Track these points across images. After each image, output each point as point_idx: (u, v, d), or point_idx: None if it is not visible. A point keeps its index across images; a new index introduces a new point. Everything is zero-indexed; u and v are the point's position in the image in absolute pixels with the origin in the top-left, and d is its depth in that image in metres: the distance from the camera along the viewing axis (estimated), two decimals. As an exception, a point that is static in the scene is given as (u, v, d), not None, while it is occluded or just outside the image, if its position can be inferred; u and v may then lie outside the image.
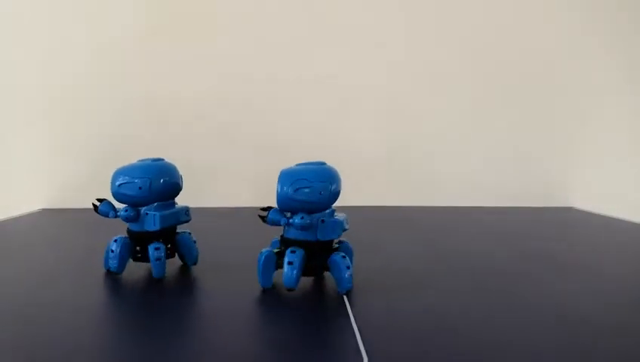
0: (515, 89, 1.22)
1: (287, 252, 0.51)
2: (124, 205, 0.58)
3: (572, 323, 0.46)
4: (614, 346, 0.41)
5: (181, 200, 0.64)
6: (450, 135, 1.22)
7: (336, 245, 0.57)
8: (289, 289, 0.51)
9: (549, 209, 1.20)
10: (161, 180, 0.58)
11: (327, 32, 1.20)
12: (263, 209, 0.53)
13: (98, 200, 0.59)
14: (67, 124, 1.18)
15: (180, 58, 1.18)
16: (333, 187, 0.53)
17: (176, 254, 0.63)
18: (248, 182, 1.13)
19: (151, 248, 0.57)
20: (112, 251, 0.58)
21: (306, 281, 0.57)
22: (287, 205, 0.52)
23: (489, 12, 1.21)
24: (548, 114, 1.23)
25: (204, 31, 1.18)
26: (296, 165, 0.55)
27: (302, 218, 0.51)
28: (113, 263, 0.58)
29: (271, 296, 0.53)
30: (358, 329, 0.43)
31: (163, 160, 0.62)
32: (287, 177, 0.52)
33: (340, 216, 0.55)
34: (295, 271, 0.51)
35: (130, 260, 0.60)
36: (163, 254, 0.58)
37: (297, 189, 0.51)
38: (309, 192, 0.51)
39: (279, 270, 0.54)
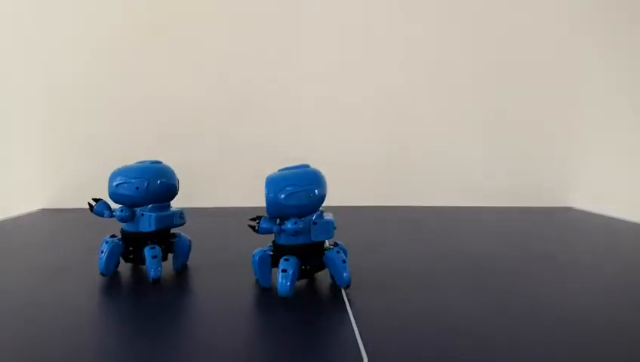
0: (515, 89, 1.22)
1: (281, 261, 0.51)
2: (120, 205, 0.58)
3: (572, 323, 0.46)
4: (614, 346, 0.41)
5: (177, 201, 0.64)
6: (451, 135, 1.22)
7: (330, 246, 0.56)
8: (283, 297, 0.51)
9: (549, 209, 1.20)
10: (158, 182, 0.59)
11: (326, 32, 1.20)
12: (252, 219, 0.52)
13: (94, 200, 0.60)
14: (67, 124, 1.18)
15: (179, 60, 1.18)
16: (320, 189, 0.53)
17: (169, 256, 0.63)
18: (246, 182, 1.13)
19: (147, 248, 0.57)
20: (102, 252, 0.58)
21: (306, 282, 0.57)
22: (278, 211, 0.52)
23: (489, 13, 1.21)
24: (548, 114, 1.23)
25: (202, 33, 1.18)
26: (280, 170, 0.55)
27: (295, 223, 0.50)
28: (101, 265, 0.58)
29: (270, 296, 0.53)
30: (358, 329, 0.43)
31: (161, 162, 0.62)
32: (275, 183, 0.52)
33: (328, 216, 0.55)
34: (289, 280, 0.50)
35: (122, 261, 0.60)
36: (159, 252, 0.57)
37: (287, 195, 0.51)
38: (300, 196, 0.51)
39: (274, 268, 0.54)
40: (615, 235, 0.92)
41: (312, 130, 1.20)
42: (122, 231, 0.60)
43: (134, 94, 1.18)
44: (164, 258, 0.61)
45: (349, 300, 0.51)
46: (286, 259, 0.51)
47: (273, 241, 0.55)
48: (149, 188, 0.57)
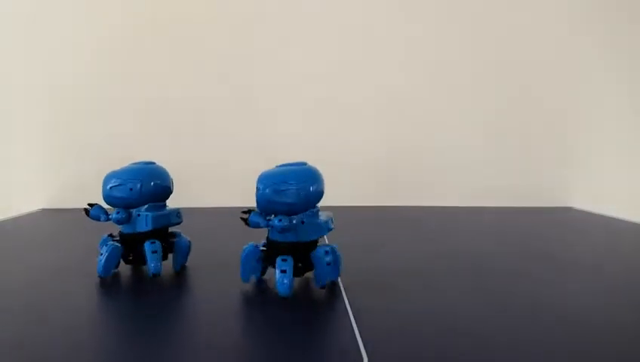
0: (515, 89, 1.22)
1: (279, 261, 0.51)
2: (116, 208, 0.58)
3: (572, 323, 0.46)
4: (614, 346, 0.41)
5: (176, 201, 0.64)
6: (451, 135, 1.22)
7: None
8: (284, 297, 0.51)
9: (549, 209, 1.20)
10: (152, 183, 0.59)
11: (326, 32, 1.20)
12: (245, 211, 0.53)
13: (89, 204, 0.60)
14: (67, 124, 1.18)
15: (179, 60, 1.18)
16: (314, 187, 0.53)
17: (169, 256, 0.62)
18: (246, 182, 1.13)
19: (147, 243, 0.57)
20: (101, 255, 0.58)
21: (306, 282, 0.57)
22: (267, 207, 0.52)
23: (489, 13, 1.21)
24: (548, 114, 1.23)
25: (202, 33, 1.18)
26: (277, 166, 0.55)
27: (280, 220, 0.51)
28: (99, 268, 0.57)
29: (270, 296, 0.53)
30: (358, 329, 0.43)
31: (154, 163, 0.62)
32: (266, 179, 0.52)
33: (324, 216, 0.55)
34: (288, 280, 0.50)
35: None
36: (159, 247, 0.58)
37: (275, 191, 0.51)
38: (288, 193, 0.51)
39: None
40: (615, 235, 0.92)
41: (311, 130, 1.20)
42: (120, 234, 0.60)
43: (134, 94, 1.18)
44: (165, 257, 0.61)
45: (349, 300, 0.51)
46: (284, 260, 0.51)
47: (267, 237, 0.56)
48: (142, 190, 0.58)
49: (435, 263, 0.67)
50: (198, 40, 1.18)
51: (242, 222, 0.52)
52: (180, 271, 0.62)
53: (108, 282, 0.57)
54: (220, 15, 1.18)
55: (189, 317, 0.48)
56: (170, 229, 0.63)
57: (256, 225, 0.52)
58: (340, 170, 1.17)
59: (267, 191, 0.51)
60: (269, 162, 0.57)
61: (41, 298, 0.52)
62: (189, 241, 0.64)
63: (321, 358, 0.40)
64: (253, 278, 0.57)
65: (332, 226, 0.56)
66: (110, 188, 0.58)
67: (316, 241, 0.55)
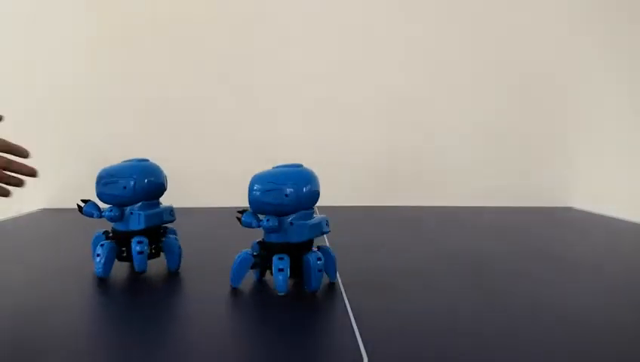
0: (515, 90, 1.22)
1: (275, 259, 0.51)
2: (109, 206, 0.58)
3: (572, 323, 0.46)
4: (614, 346, 0.41)
5: (176, 201, 0.64)
6: (451, 135, 1.22)
7: (316, 249, 0.56)
8: (282, 294, 0.51)
9: (549, 209, 1.20)
10: (145, 180, 0.59)
11: (326, 32, 1.20)
12: (240, 211, 0.53)
13: (83, 201, 0.59)
14: (67, 124, 1.18)
15: (180, 60, 1.18)
16: (306, 189, 0.52)
17: (162, 255, 0.62)
18: (246, 182, 1.13)
19: (134, 241, 0.57)
20: (98, 256, 0.57)
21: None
22: (257, 207, 0.53)
23: (489, 13, 1.21)
24: (548, 114, 1.23)
25: (203, 33, 1.18)
26: (272, 168, 0.55)
27: (267, 220, 0.51)
28: (98, 269, 0.57)
29: (270, 296, 0.53)
30: (358, 329, 0.43)
31: (148, 160, 0.62)
32: (257, 180, 0.53)
33: (317, 218, 0.55)
34: (285, 277, 0.50)
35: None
36: (146, 248, 0.57)
37: (263, 191, 0.52)
38: (274, 194, 0.51)
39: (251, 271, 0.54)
40: (615, 235, 0.92)
41: (312, 130, 1.20)
42: (113, 231, 0.60)
43: (134, 94, 1.18)
44: (157, 255, 0.61)
45: (349, 300, 0.51)
46: (280, 258, 0.51)
47: (262, 238, 0.56)
48: (136, 187, 0.57)
49: (435, 263, 0.67)
50: (198, 40, 1.18)
51: (233, 222, 0.53)
52: (180, 271, 0.62)
53: (107, 282, 0.57)
54: (219, 15, 1.18)
55: (189, 317, 0.48)
56: (168, 227, 0.63)
57: (249, 225, 0.53)
58: (340, 170, 1.17)
59: (257, 192, 0.52)
60: (270, 162, 0.57)
61: (41, 297, 0.52)
62: (176, 240, 0.63)
63: (321, 358, 0.40)
64: (252, 279, 0.57)
65: (327, 229, 0.56)
66: (103, 185, 0.58)
67: (310, 243, 0.55)
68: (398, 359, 0.38)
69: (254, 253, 0.55)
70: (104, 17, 1.17)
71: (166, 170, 0.63)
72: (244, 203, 0.54)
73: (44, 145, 1.18)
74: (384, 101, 1.22)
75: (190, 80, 1.19)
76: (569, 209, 1.21)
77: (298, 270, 0.53)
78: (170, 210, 0.62)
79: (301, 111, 1.21)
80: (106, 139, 1.17)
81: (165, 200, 0.63)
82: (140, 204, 0.58)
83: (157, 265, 0.63)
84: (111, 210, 0.58)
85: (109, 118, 1.18)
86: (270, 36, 1.19)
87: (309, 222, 0.53)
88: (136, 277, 0.59)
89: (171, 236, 0.62)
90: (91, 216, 0.59)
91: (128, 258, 0.59)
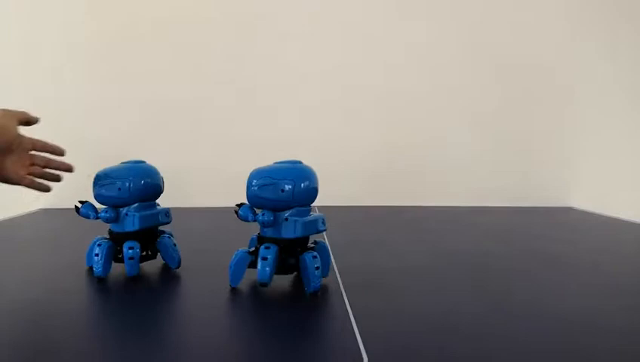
0: (515, 90, 1.22)
1: (262, 248, 0.52)
2: (104, 207, 0.58)
3: (572, 323, 0.46)
4: (614, 346, 0.41)
5: (176, 201, 0.64)
6: (451, 136, 1.22)
7: (312, 245, 0.56)
8: (262, 285, 0.51)
9: (549, 209, 1.20)
10: (142, 181, 0.59)
11: (326, 33, 1.20)
12: (238, 205, 0.54)
13: (80, 202, 0.60)
14: (67, 124, 1.17)
15: (180, 60, 1.18)
16: (304, 185, 0.52)
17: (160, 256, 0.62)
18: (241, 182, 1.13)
19: (125, 247, 0.57)
20: (97, 255, 0.57)
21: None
22: (254, 202, 0.53)
23: (489, 14, 1.21)
24: (548, 114, 1.23)
25: (203, 33, 1.18)
26: (272, 163, 0.55)
27: (263, 214, 0.52)
28: (98, 269, 0.57)
29: (270, 296, 0.53)
30: (358, 330, 0.43)
31: (144, 162, 0.62)
32: (255, 175, 0.53)
33: (314, 216, 0.55)
34: (268, 267, 0.51)
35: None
36: (137, 253, 0.57)
37: (259, 186, 0.52)
38: (271, 189, 0.52)
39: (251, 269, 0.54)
40: (615, 235, 0.92)
41: (311, 130, 1.20)
42: (110, 232, 0.60)
43: (134, 94, 1.18)
44: (153, 257, 0.61)
45: (349, 300, 0.51)
46: (267, 247, 0.52)
47: (258, 233, 0.56)
48: (131, 188, 0.58)
49: (436, 263, 0.67)
50: (196, 40, 1.18)
51: (241, 221, 0.53)
52: (180, 272, 0.62)
53: (106, 282, 0.57)
54: (218, 15, 1.18)
55: (188, 317, 0.48)
56: (166, 228, 0.63)
57: (245, 219, 0.53)
58: (340, 170, 1.17)
59: (255, 187, 0.52)
60: (268, 162, 0.57)
61: (41, 298, 0.52)
62: (175, 243, 0.63)
63: (321, 358, 0.40)
64: (252, 279, 0.57)
65: (323, 227, 0.55)
66: (100, 186, 0.58)
67: (306, 240, 0.55)
68: (398, 359, 0.38)
69: (250, 250, 0.55)
70: (103, 17, 1.17)
71: (165, 170, 0.63)
72: (243, 201, 0.54)
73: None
74: (384, 102, 1.22)
75: (190, 80, 1.19)
76: (569, 209, 1.21)
77: (293, 267, 0.53)
78: (166, 212, 0.62)
79: (301, 112, 1.21)
80: (106, 138, 1.17)
81: (164, 201, 0.63)
82: (135, 205, 0.58)
83: (156, 266, 0.63)
84: (106, 212, 0.58)
85: (110, 118, 1.18)
86: (268, 36, 1.19)
87: (304, 218, 0.53)
88: (136, 278, 0.59)
89: (165, 236, 0.62)
90: (87, 217, 0.59)
91: (123, 259, 0.59)
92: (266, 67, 1.19)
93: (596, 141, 1.24)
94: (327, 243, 0.59)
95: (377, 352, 0.39)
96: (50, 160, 0.61)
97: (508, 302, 0.52)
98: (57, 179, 0.62)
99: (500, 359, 0.39)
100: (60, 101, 1.18)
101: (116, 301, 0.53)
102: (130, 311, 0.49)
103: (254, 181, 0.53)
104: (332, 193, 1.12)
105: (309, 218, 0.54)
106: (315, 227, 0.54)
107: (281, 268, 0.53)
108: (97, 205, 0.60)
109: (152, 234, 0.61)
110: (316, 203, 0.56)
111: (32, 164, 0.60)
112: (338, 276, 0.59)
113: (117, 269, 0.60)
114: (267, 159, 0.60)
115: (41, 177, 0.61)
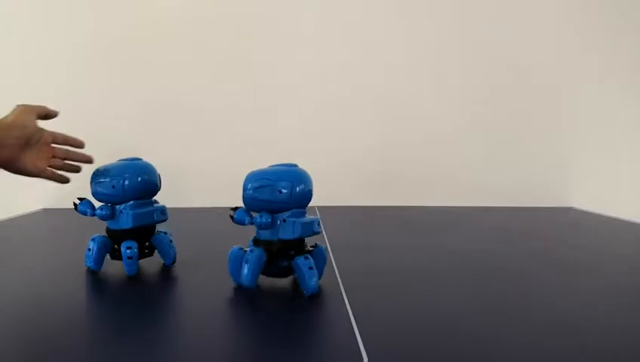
0: (515, 90, 1.22)
1: (248, 251, 0.52)
2: (100, 204, 0.59)
3: (572, 323, 0.46)
4: (614, 346, 0.41)
5: (175, 201, 0.63)
6: (450, 136, 1.22)
7: (310, 248, 0.56)
8: (247, 288, 0.51)
9: (549, 209, 1.20)
10: (137, 179, 0.59)
11: (326, 33, 1.20)
12: (233, 209, 0.54)
13: (79, 199, 0.60)
14: (67, 124, 1.17)
15: (180, 61, 1.18)
16: (299, 187, 0.52)
17: (157, 253, 0.63)
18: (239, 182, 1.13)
19: (123, 247, 0.57)
20: (90, 250, 0.59)
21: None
22: (251, 204, 0.53)
23: (489, 15, 1.21)
24: (548, 114, 1.23)
25: (202, 33, 1.18)
26: (268, 167, 0.55)
27: (261, 216, 0.52)
28: (90, 262, 0.59)
29: (270, 296, 0.53)
30: (358, 329, 0.43)
31: (141, 159, 0.62)
32: (251, 177, 0.54)
33: (309, 218, 0.55)
34: (250, 271, 0.51)
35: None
36: (135, 253, 0.58)
37: (256, 188, 0.52)
38: (268, 191, 0.52)
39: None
40: (615, 235, 0.92)
41: (311, 131, 1.20)
42: (107, 229, 0.61)
43: (134, 94, 1.18)
44: (150, 254, 0.62)
45: (348, 300, 0.51)
46: (251, 251, 0.52)
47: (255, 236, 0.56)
48: (126, 186, 0.58)
49: (435, 263, 0.67)
50: (194, 40, 1.18)
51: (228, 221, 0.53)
52: (178, 271, 0.62)
53: (106, 281, 0.57)
54: (217, 15, 1.18)
55: (187, 317, 0.48)
56: (164, 226, 0.63)
57: (241, 223, 0.53)
58: (340, 170, 1.17)
59: (251, 189, 0.53)
60: (266, 163, 0.57)
61: (41, 297, 0.52)
62: (171, 240, 0.63)
63: (321, 358, 0.40)
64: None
65: (318, 229, 0.55)
66: (96, 184, 0.59)
67: (302, 242, 0.55)
68: (398, 359, 0.38)
69: (245, 249, 0.55)
70: (103, 17, 1.17)
71: (165, 170, 0.63)
72: (240, 203, 0.54)
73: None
74: (384, 101, 1.22)
75: (190, 80, 1.19)
76: (569, 209, 1.21)
77: (287, 270, 0.54)
78: (162, 210, 0.62)
79: (299, 112, 1.21)
80: (106, 138, 1.17)
81: (163, 201, 0.63)
82: (131, 203, 0.59)
83: (154, 264, 0.63)
84: (102, 209, 0.58)
85: (110, 118, 1.18)
86: (268, 36, 1.19)
87: (301, 219, 0.53)
88: (135, 276, 0.59)
89: (161, 232, 0.63)
90: (85, 214, 0.59)
91: (120, 257, 0.59)
92: (266, 67, 1.19)
93: (596, 141, 1.24)
94: (327, 244, 0.59)
95: (377, 352, 0.39)
96: (70, 152, 0.62)
97: (508, 301, 0.52)
98: (77, 170, 0.63)
99: (500, 359, 0.39)
100: (60, 101, 1.17)
101: (117, 300, 0.53)
102: (130, 310, 0.49)
103: (250, 184, 0.53)
104: (332, 193, 1.13)
105: (305, 219, 0.54)
106: (311, 229, 0.54)
107: (274, 271, 0.54)
108: (96, 203, 0.60)
109: (148, 232, 0.61)
110: (316, 203, 0.56)
111: (53, 157, 0.61)
112: (338, 276, 0.59)
113: (117, 269, 0.60)
114: (267, 159, 0.60)
115: (60, 169, 0.61)
